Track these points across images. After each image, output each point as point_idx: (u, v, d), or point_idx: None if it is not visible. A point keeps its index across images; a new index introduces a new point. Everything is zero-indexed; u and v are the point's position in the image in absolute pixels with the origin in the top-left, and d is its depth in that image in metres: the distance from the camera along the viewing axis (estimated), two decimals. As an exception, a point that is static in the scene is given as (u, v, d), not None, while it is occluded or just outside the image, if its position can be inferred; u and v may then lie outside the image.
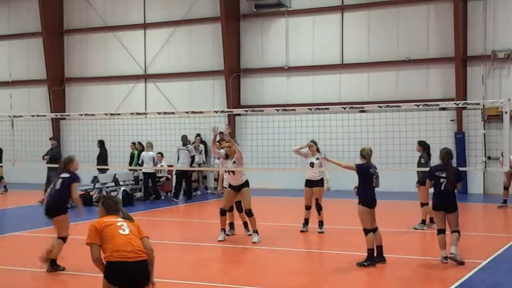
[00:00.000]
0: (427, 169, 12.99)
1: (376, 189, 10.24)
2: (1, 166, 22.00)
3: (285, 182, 21.85)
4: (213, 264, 10.62)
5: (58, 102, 26.32)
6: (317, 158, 13.14)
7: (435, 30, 21.31)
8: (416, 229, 13.37)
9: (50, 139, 21.30)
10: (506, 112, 11.86)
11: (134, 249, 6.22)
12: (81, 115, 20.66)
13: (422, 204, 13.34)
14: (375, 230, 10.10)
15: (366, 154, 10.22)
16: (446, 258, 9.96)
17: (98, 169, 19.73)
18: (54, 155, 18.98)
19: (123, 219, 6.54)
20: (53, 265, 9.85)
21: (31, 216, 17.22)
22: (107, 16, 25.94)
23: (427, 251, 11.78)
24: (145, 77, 25.46)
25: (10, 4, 27.40)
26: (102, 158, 20.85)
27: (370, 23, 22.19)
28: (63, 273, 9.77)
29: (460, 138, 20.52)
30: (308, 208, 13.24)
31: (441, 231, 10.09)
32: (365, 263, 9.87)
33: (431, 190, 10.35)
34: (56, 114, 22.38)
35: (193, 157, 19.74)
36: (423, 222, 13.44)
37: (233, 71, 23.61)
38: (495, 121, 18.23)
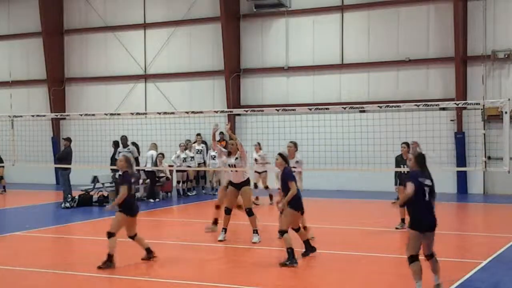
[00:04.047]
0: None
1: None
2: (2, 166, 21.97)
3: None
4: (213, 264, 10.61)
5: (58, 102, 26.32)
6: (297, 161, 12.26)
7: (435, 30, 21.31)
8: (397, 228, 13.39)
9: (63, 139, 21.16)
10: (506, 112, 11.85)
11: None
12: (81, 115, 20.63)
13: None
14: (298, 229, 10.32)
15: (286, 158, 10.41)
16: None
17: (111, 169, 19.72)
18: (61, 155, 18.98)
19: None
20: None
21: (31, 216, 17.23)
22: (107, 16, 25.93)
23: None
24: (145, 77, 25.46)
25: (10, 4, 27.40)
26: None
27: (370, 23, 22.19)
28: (63, 273, 9.76)
29: (460, 138, 20.52)
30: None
31: (417, 258, 7.91)
32: (287, 263, 9.88)
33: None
34: (56, 114, 22.37)
35: (136, 159, 18.58)
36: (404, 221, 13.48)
37: (233, 71, 23.60)
38: (495, 121, 18.22)
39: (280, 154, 10.40)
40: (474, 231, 14.46)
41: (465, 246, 12.37)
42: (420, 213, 7.74)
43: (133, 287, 9.16)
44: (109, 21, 25.86)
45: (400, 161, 13.50)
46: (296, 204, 10.14)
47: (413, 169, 7.98)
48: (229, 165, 12.33)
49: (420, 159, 7.99)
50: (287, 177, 10.16)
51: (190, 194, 21.22)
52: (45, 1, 25.86)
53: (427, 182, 7.81)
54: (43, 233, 13.85)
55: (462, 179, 20.73)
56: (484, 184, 20.74)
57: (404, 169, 12.98)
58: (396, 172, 13.91)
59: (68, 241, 13.43)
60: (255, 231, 12.10)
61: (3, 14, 27.61)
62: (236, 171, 12.16)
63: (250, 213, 12.08)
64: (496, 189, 20.32)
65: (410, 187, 7.66)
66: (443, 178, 20.73)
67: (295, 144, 12.50)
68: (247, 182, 12.23)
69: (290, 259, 9.91)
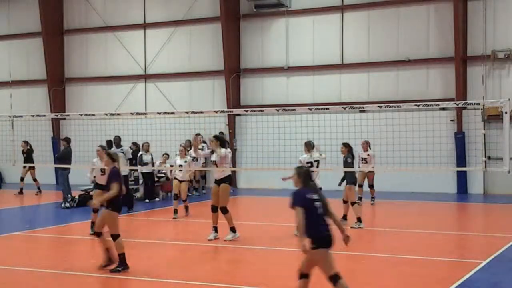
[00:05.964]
0: (353, 169, 13.70)
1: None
2: (33, 168, 21.74)
3: (285, 182, 21.81)
4: (213, 264, 10.61)
5: (58, 102, 26.33)
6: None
7: (435, 30, 21.31)
8: (353, 228, 13.17)
9: (62, 139, 21.12)
10: (506, 112, 11.85)
11: None
12: (81, 115, 20.64)
13: (353, 203, 13.57)
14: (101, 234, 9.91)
15: None
16: None
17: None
18: (61, 155, 18.95)
19: None
20: None
21: (31, 216, 17.24)
22: (107, 16, 25.94)
23: (427, 251, 11.77)
24: (145, 77, 25.46)
25: (10, 4, 27.40)
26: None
27: (370, 23, 22.19)
28: (63, 273, 9.76)
29: (460, 138, 20.52)
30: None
31: (306, 276, 7.70)
32: (119, 269, 9.56)
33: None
34: (56, 114, 22.37)
35: (130, 160, 18.41)
36: (359, 220, 13.49)
37: (233, 71, 23.60)
38: (495, 121, 18.24)
39: (107, 153, 10.17)
40: (474, 231, 14.46)
41: (465, 246, 12.38)
42: (317, 229, 7.14)
43: (132, 287, 9.17)
44: (109, 21, 25.86)
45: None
46: (117, 205, 9.77)
47: (298, 187, 7.35)
48: (212, 162, 12.51)
49: (305, 175, 7.36)
50: (110, 177, 9.82)
51: (190, 194, 21.19)
52: (45, 1, 25.86)
53: (315, 196, 7.20)
54: (43, 233, 13.85)
55: (462, 179, 20.73)
56: (484, 184, 20.74)
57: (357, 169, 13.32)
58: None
59: (68, 241, 13.42)
60: (232, 229, 12.12)
61: (3, 14, 27.60)
62: (216, 166, 12.24)
63: (224, 211, 12.00)
64: (496, 189, 20.31)
65: (298, 212, 7.10)
66: (443, 178, 20.82)
67: (306, 143, 13.03)
68: (225, 179, 12.18)
69: (123, 265, 9.61)
